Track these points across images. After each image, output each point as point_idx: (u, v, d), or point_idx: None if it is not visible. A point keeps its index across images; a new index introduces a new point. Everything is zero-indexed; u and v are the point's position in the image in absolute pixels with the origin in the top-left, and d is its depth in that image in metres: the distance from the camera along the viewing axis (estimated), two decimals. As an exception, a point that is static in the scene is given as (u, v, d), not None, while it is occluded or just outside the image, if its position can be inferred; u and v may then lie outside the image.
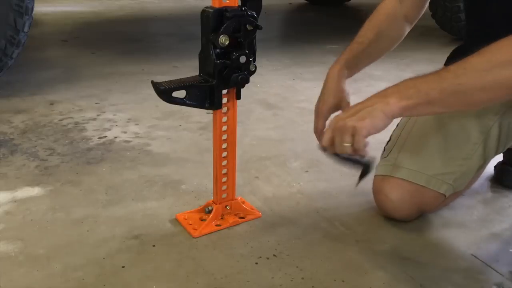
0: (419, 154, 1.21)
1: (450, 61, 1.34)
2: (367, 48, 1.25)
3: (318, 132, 1.18)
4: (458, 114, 1.22)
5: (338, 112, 1.13)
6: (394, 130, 1.32)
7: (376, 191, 1.26)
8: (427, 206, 1.24)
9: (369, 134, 0.95)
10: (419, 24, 1.36)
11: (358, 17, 4.46)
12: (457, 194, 1.31)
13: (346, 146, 0.96)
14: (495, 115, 1.19)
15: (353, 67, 1.25)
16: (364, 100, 0.99)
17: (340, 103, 1.20)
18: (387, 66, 2.68)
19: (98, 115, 1.95)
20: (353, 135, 0.95)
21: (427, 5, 1.30)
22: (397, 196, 1.21)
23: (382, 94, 0.97)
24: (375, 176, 1.27)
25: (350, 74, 1.26)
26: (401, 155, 1.23)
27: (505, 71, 0.86)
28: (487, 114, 1.19)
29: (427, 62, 2.78)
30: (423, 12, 1.31)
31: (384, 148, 1.31)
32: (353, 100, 2.23)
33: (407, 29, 1.31)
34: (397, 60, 2.80)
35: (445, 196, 1.22)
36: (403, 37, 1.32)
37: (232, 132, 1.18)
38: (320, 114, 1.19)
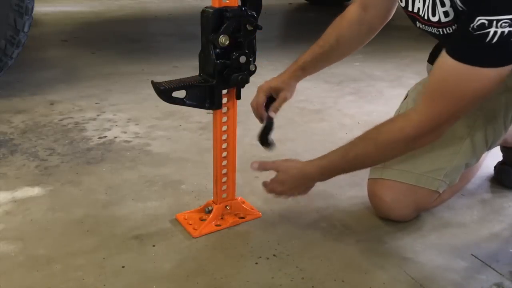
0: (407, 155, 1.22)
1: (432, 56, 1.35)
2: (328, 51, 1.32)
3: (257, 106, 1.31)
4: None
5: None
6: None
7: (370, 194, 1.27)
8: (422, 203, 1.25)
9: None
10: (419, 24, 1.36)
11: (358, 17, 4.45)
12: (453, 190, 1.31)
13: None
14: (479, 110, 1.20)
15: (310, 68, 1.33)
16: (305, 178, 1.19)
17: (281, 90, 1.30)
18: (387, 66, 2.68)
19: (98, 115, 1.95)
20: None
21: (391, 14, 1.32)
22: (390, 197, 1.22)
23: (314, 182, 1.21)
24: (368, 179, 1.28)
25: (305, 74, 1.33)
26: None
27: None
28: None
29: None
30: (387, 21, 1.33)
31: None
32: (352, 99, 2.20)
33: (370, 36, 1.34)
34: (397, 60, 2.80)
35: (438, 192, 1.23)
36: (364, 44, 1.36)
37: (232, 132, 1.18)
38: (261, 89, 1.31)
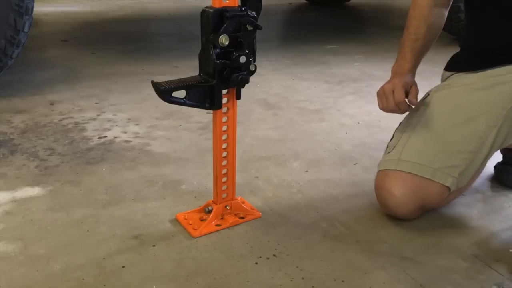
0: (424, 149, 1.22)
1: (450, 65, 1.36)
2: (423, 42, 1.31)
3: (399, 102, 1.25)
4: (466, 108, 1.24)
5: None
6: (397, 128, 1.32)
7: (379, 186, 1.25)
8: (430, 202, 1.23)
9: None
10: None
11: (358, 17, 4.46)
12: (459, 191, 1.31)
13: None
14: (503, 109, 1.20)
15: (417, 63, 1.33)
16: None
17: (412, 84, 1.29)
18: (387, 66, 2.67)
19: (98, 115, 1.95)
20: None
21: None
22: (400, 191, 1.20)
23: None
24: (378, 172, 1.27)
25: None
26: (406, 150, 1.23)
27: None
28: (496, 108, 1.20)
29: (427, 62, 2.76)
30: None
31: (388, 145, 1.31)
32: (352, 99, 2.21)
33: (446, 14, 1.36)
34: (397, 60, 2.79)
35: (449, 190, 1.21)
36: (442, 26, 1.37)
37: (232, 132, 1.18)
38: (398, 86, 1.27)
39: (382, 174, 1.25)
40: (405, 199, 1.20)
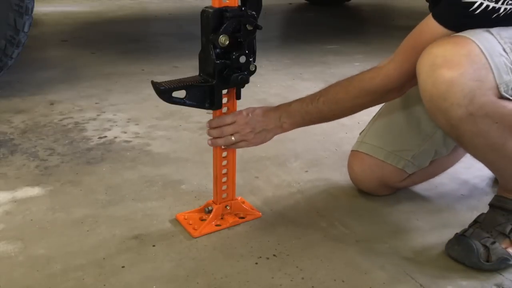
0: (383, 133, 1.33)
1: None
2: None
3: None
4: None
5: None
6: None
7: (347, 164, 1.39)
8: (388, 180, 1.32)
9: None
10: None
11: (358, 17, 4.46)
12: (426, 175, 1.38)
13: (231, 143, 1.17)
14: None
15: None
16: (267, 116, 1.19)
17: None
18: (387, 66, 2.68)
19: (98, 115, 1.95)
20: (242, 142, 1.18)
21: None
22: (359, 169, 1.34)
23: (279, 123, 1.20)
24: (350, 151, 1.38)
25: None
26: (369, 133, 1.35)
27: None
28: None
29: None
30: None
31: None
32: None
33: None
34: (397, 60, 2.80)
35: (405, 171, 1.30)
36: None
37: (232, 132, 1.18)
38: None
39: (350, 153, 1.38)
40: (364, 175, 1.33)
